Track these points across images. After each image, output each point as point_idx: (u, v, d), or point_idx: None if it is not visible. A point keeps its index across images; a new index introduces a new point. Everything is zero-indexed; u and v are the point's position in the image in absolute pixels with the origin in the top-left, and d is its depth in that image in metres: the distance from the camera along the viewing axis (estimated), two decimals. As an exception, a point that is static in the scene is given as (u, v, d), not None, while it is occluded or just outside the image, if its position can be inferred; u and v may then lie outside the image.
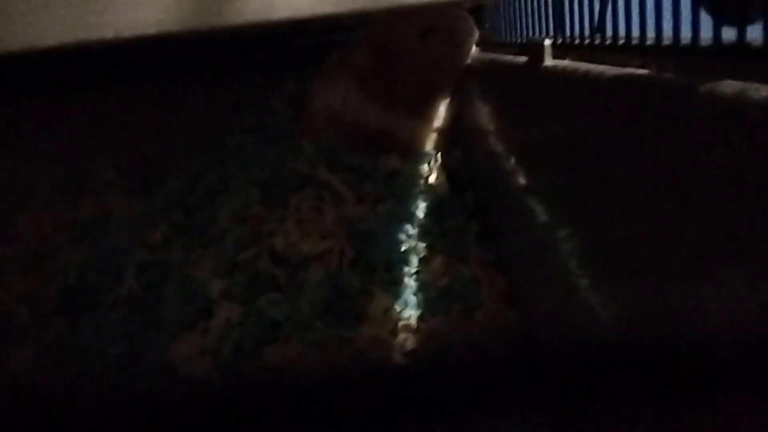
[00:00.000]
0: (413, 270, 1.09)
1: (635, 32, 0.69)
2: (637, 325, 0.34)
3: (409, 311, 1.03)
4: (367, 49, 1.36)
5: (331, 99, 1.38)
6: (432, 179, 1.26)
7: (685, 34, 0.60)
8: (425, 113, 1.37)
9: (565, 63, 0.83)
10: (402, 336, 1.00)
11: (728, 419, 0.44)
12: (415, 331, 1.01)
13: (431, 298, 1.05)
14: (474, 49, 1.35)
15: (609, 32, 0.75)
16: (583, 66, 0.74)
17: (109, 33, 0.48)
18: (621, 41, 0.73)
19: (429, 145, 1.36)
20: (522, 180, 0.95)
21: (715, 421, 0.46)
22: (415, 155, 1.30)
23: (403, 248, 1.10)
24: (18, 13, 0.47)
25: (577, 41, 0.86)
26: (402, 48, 1.33)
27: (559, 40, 0.91)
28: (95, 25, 0.47)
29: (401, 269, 1.08)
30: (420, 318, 1.03)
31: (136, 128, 1.61)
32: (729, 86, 0.47)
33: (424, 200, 1.20)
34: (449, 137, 1.38)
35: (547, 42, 0.87)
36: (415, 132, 1.36)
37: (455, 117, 1.38)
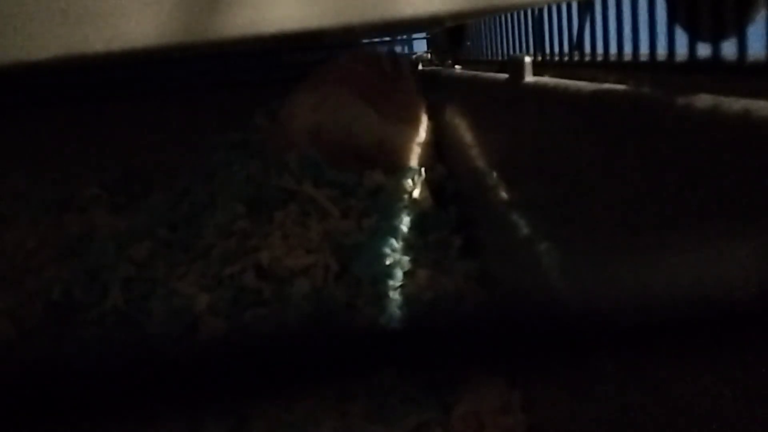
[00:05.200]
0: (398, 284, 1.09)
1: (613, 49, 0.71)
2: (617, 326, 0.36)
3: (394, 325, 1.04)
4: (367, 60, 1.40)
5: (320, 114, 1.38)
6: (416, 194, 1.26)
7: (662, 50, 0.61)
8: (417, 121, 1.39)
9: (545, 79, 0.84)
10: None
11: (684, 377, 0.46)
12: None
13: (415, 312, 1.06)
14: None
15: (587, 49, 0.77)
16: (563, 82, 0.76)
17: (98, 46, 0.48)
18: (599, 58, 0.74)
19: (415, 158, 1.37)
20: (504, 194, 0.96)
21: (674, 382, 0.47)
22: (400, 170, 1.31)
23: (387, 262, 1.11)
24: (4, 27, 0.46)
25: (556, 58, 0.87)
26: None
27: (539, 57, 0.93)
28: (84, 37, 0.47)
29: (386, 283, 1.08)
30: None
31: (120, 144, 1.62)
32: (704, 100, 0.48)
33: (408, 215, 1.21)
34: (433, 153, 1.39)
35: (528, 59, 0.89)
36: (407, 141, 1.37)
37: (438, 133, 1.40)
